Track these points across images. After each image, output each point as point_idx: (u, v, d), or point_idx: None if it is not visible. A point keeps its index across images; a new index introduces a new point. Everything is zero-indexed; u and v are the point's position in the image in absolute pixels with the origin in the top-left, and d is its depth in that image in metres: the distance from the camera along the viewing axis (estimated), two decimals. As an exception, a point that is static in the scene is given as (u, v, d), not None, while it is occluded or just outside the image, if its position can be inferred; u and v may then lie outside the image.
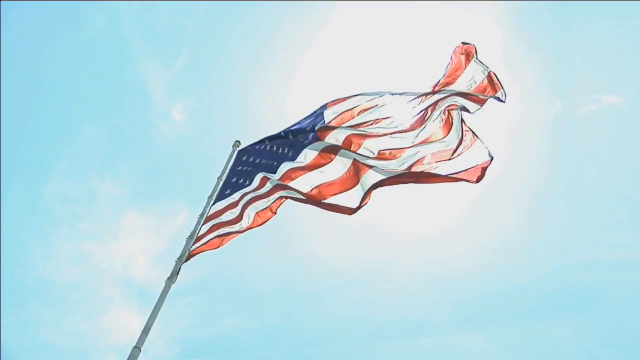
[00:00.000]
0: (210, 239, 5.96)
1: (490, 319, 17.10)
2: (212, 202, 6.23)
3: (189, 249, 5.69)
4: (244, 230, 6.13)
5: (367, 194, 5.70)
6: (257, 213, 6.20)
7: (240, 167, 6.53)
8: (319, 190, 5.95)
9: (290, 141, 6.25)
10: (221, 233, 6.04)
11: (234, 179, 6.43)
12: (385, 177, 5.64)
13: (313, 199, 5.95)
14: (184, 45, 21.69)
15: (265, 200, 6.21)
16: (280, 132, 6.39)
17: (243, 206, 6.19)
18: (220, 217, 6.12)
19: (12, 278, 16.86)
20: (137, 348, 4.67)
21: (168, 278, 5.37)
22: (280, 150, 6.31)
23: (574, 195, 18.62)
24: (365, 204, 5.72)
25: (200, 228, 5.94)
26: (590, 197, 18.10)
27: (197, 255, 5.78)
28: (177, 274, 5.42)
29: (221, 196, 6.26)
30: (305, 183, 6.03)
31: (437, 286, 17.86)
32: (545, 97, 20.10)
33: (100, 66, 20.97)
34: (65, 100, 20.78)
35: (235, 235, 6.10)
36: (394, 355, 15.87)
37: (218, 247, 5.99)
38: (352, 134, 5.93)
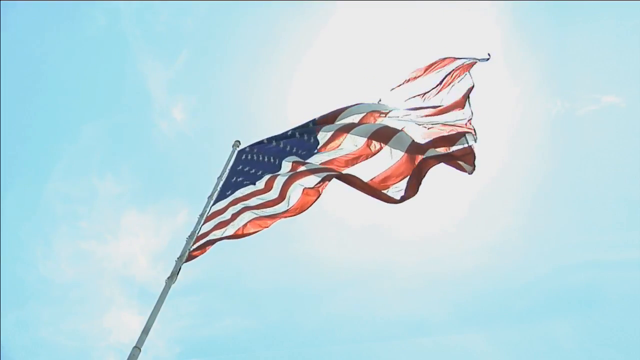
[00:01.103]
0: (243, 224, 5.82)
1: (490, 319, 17.13)
2: (212, 202, 6.21)
3: (189, 249, 5.67)
4: (286, 214, 5.86)
5: (417, 182, 5.46)
6: (304, 190, 5.91)
7: (240, 167, 6.53)
8: (373, 182, 5.68)
9: (298, 137, 6.25)
10: (254, 217, 5.89)
11: (234, 179, 6.41)
12: (432, 155, 5.45)
13: (367, 189, 5.68)
14: (184, 45, 21.76)
15: (313, 177, 5.93)
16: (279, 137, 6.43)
17: (283, 187, 5.97)
18: (245, 202, 5.98)
19: (12, 277, 16.87)
20: (137, 348, 4.67)
21: (168, 278, 5.36)
22: (301, 143, 6.23)
23: (574, 195, 18.68)
24: (413, 195, 5.45)
25: (200, 228, 5.92)
26: (590, 197, 18.15)
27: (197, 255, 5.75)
28: (177, 273, 5.42)
29: (221, 196, 6.22)
30: (357, 173, 5.79)
31: (437, 286, 17.88)
32: (546, 97, 20.16)
33: (101, 65, 21.04)
34: (66, 99, 20.84)
35: (277, 218, 5.87)
36: (394, 355, 15.89)
37: (247, 234, 5.82)
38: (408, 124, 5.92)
